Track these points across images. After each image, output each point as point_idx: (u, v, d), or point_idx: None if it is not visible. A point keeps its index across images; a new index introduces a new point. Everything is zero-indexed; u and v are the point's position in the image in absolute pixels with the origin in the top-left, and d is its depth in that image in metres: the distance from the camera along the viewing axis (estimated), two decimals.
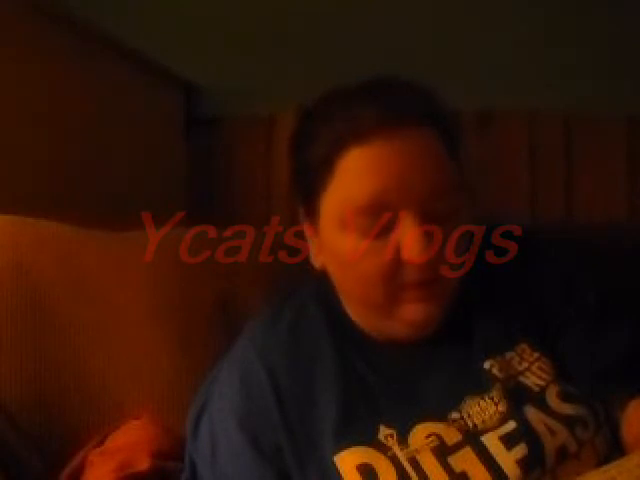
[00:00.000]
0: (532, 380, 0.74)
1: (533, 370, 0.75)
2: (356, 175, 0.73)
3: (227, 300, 1.02)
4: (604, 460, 0.68)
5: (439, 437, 0.71)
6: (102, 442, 0.88)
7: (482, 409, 0.72)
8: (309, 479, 0.72)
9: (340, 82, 0.79)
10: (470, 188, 0.80)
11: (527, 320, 0.79)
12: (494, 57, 1.44)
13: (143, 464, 0.82)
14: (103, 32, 1.27)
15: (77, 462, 0.86)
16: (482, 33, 1.44)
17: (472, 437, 0.70)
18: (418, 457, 0.70)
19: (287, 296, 0.87)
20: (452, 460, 0.69)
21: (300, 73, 1.48)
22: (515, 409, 0.72)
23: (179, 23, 1.53)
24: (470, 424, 0.71)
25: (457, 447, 0.70)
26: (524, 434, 0.69)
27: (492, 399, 0.73)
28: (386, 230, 0.73)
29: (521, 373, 0.75)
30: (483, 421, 0.71)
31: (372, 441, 0.72)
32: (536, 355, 0.77)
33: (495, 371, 0.75)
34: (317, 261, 0.82)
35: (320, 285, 0.83)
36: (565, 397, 0.73)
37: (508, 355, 0.77)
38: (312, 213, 0.79)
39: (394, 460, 0.70)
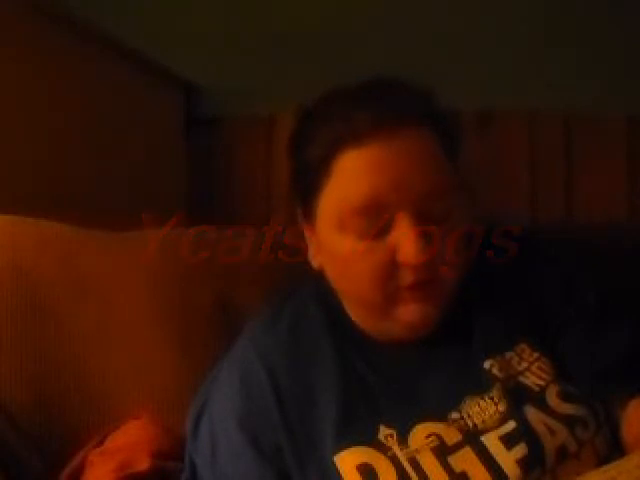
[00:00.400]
0: (532, 380, 0.74)
1: (533, 370, 0.75)
2: (353, 176, 0.73)
3: (227, 300, 1.02)
4: (604, 460, 0.68)
5: (439, 437, 0.71)
6: (102, 442, 0.88)
7: (482, 409, 0.72)
8: (309, 479, 0.72)
9: (340, 82, 0.79)
10: (469, 188, 0.80)
11: (527, 320, 0.79)
12: (494, 57, 1.44)
13: (143, 464, 0.82)
14: (103, 32, 1.26)
15: (77, 462, 0.86)
16: (482, 33, 1.44)
17: (472, 437, 0.70)
18: (418, 457, 0.70)
19: (287, 296, 0.87)
20: (452, 460, 0.69)
21: (300, 73, 1.48)
22: (515, 409, 0.72)
23: (179, 23, 1.53)
24: (470, 424, 0.71)
25: (457, 447, 0.70)
26: (524, 434, 0.69)
27: (492, 399, 0.73)
28: (383, 231, 0.73)
29: (521, 373, 0.75)
30: (483, 421, 0.71)
31: (372, 441, 0.72)
32: (536, 355, 0.77)
33: (495, 371, 0.75)
34: (315, 261, 0.82)
35: (320, 285, 0.83)
36: (565, 397, 0.73)
37: (508, 355, 0.77)
38: (310, 214, 0.79)
39: (394, 460, 0.70)
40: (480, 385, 0.74)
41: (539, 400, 0.72)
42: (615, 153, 1.44)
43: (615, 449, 0.72)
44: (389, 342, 0.79)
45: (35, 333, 0.93)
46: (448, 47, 1.45)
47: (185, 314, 1.00)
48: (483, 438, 0.70)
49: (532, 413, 0.71)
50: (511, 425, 0.70)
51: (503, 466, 0.68)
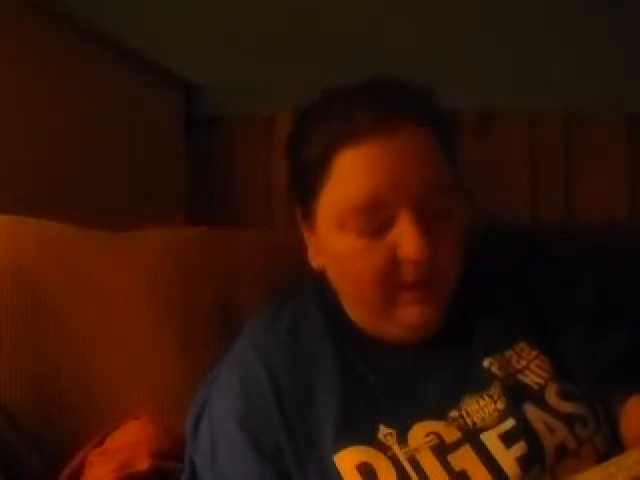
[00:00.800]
0: (531, 378, 0.74)
1: (532, 368, 0.75)
2: (352, 175, 0.73)
3: (227, 300, 1.02)
4: (604, 458, 0.67)
5: (438, 436, 0.71)
6: (102, 442, 0.88)
7: (481, 407, 0.72)
8: (309, 479, 0.72)
9: (340, 82, 0.79)
10: (467, 190, 0.80)
11: (527, 319, 0.79)
12: (494, 57, 1.44)
13: (143, 464, 0.82)
14: (103, 32, 1.27)
15: (77, 462, 0.86)
16: (482, 33, 1.44)
17: (471, 435, 0.70)
18: (418, 456, 0.70)
19: (287, 296, 0.87)
20: (452, 459, 0.69)
21: (300, 73, 1.48)
22: (514, 407, 0.72)
23: (179, 23, 1.53)
24: (469, 422, 0.71)
25: (456, 445, 0.70)
26: (523, 432, 0.69)
27: (491, 397, 0.73)
28: (383, 229, 0.73)
29: (520, 371, 0.75)
30: (482, 419, 0.71)
31: (372, 441, 0.71)
32: (535, 353, 0.77)
33: (494, 369, 0.75)
34: (315, 262, 0.82)
35: (320, 285, 0.83)
36: (564, 395, 0.73)
37: (507, 353, 0.77)
38: (309, 214, 0.79)
39: (394, 460, 0.70)
40: (479, 383, 0.74)
41: (538, 398, 0.72)
42: (615, 153, 1.44)
43: (615, 447, 0.72)
44: (389, 342, 0.79)
45: (35, 333, 0.93)
46: (448, 47, 1.45)
47: (185, 314, 1.00)
48: (482, 436, 0.70)
49: (531, 411, 0.71)
50: (510, 423, 0.70)
51: (502, 464, 0.68)
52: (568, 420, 0.71)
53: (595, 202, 1.43)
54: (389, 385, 0.77)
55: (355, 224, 0.73)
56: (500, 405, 0.72)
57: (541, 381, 0.74)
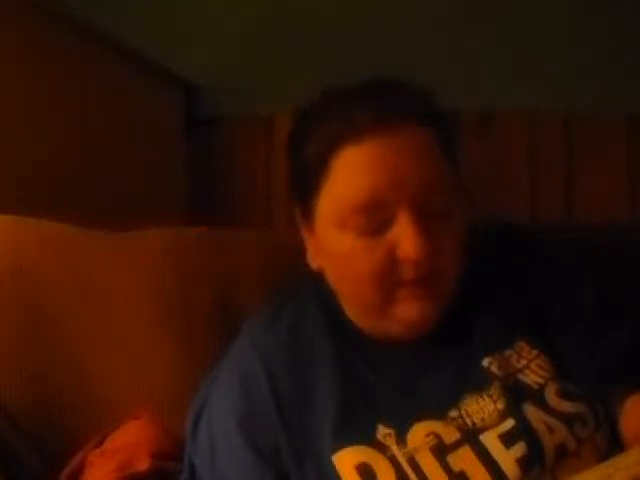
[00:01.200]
0: (531, 378, 0.74)
1: (532, 368, 0.75)
2: (352, 174, 0.73)
3: (227, 300, 1.02)
4: (605, 457, 0.67)
5: (438, 436, 0.71)
6: (102, 442, 0.87)
7: (481, 407, 0.72)
8: (308, 479, 0.72)
9: (340, 82, 0.79)
10: (467, 190, 0.80)
11: (527, 319, 0.79)
12: (494, 57, 1.44)
13: (143, 464, 0.82)
14: (103, 32, 1.26)
15: (77, 462, 0.86)
16: (482, 33, 1.44)
17: (471, 436, 0.70)
18: (417, 457, 0.70)
19: (287, 296, 0.87)
20: (451, 459, 0.69)
21: (300, 73, 1.48)
22: (514, 407, 0.72)
23: (179, 23, 1.53)
24: (469, 422, 0.71)
25: (456, 446, 0.70)
26: (523, 432, 0.69)
27: (491, 397, 0.73)
28: (383, 228, 0.73)
29: (520, 371, 0.75)
30: (482, 419, 0.71)
31: (371, 441, 0.71)
32: (535, 353, 0.77)
33: (494, 369, 0.75)
34: (315, 262, 0.82)
35: (320, 285, 0.83)
36: (564, 395, 0.73)
37: (507, 353, 0.77)
38: (309, 213, 0.79)
39: (393, 460, 0.70)
40: (479, 383, 0.74)
41: (538, 398, 0.72)
42: (615, 153, 1.44)
43: (615, 446, 0.72)
44: (388, 342, 0.79)
45: (35, 333, 0.93)
46: (448, 47, 1.45)
47: (185, 314, 1.00)
48: (482, 437, 0.70)
49: (531, 411, 0.71)
50: (510, 423, 0.70)
51: (502, 465, 0.68)
52: (568, 420, 0.71)
53: (595, 202, 1.43)
54: (389, 385, 0.77)
55: (355, 223, 0.73)
56: (500, 405, 0.72)
57: (541, 381, 0.74)
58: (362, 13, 1.48)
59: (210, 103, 1.55)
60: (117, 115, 1.33)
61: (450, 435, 0.71)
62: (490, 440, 0.70)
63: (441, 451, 0.70)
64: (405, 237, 0.71)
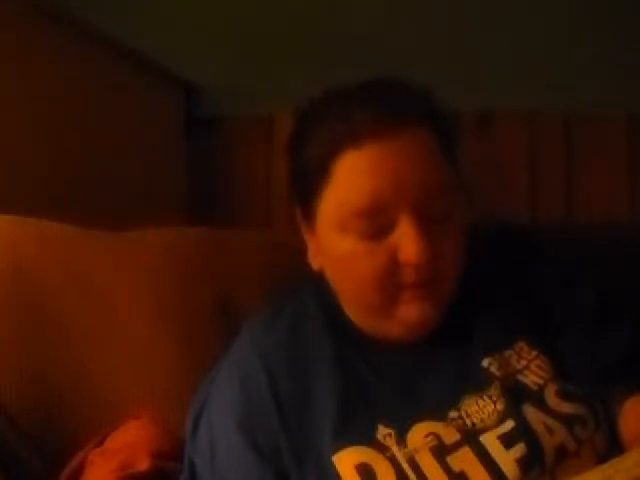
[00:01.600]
0: (531, 379, 0.74)
1: (532, 368, 0.75)
2: (354, 177, 0.73)
3: (227, 300, 1.02)
4: (604, 458, 0.68)
5: (437, 436, 0.71)
6: (102, 442, 0.87)
7: (481, 408, 0.72)
8: (308, 479, 0.72)
9: (340, 82, 0.79)
10: (467, 190, 0.80)
11: (526, 319, 0.79)
12: (494, 57, 1.44)
13: (143, 464, 0.82)
14: (103, 32, 1.26)
15: (77, 462, 0.86)
16: (482, 33, 1.44)
17: (471, 436, 0.70)
18: (417, 457, 0.70)
19: (287, 296, 0.87)
20: (451, 460, 0.69)
21: (300, 73, 1.48)
22: (513, 408, 0.72)
23: (179, 23, 1.53)
24: (469, 423, 0.71)
25: (456, 446, 0.70)
26: (523, 433, 0.69)
27: (490, 397, 0.73)
28: (384, 231, 0.73)
29: (519, 371, 0.75)
30: (482, 420, 0.71)
31: (371, 441, 0.72)
32: (535, 353, 0.77)
33: (493, 369, 0.75)
34: (315, 262, 0.82)
35: (320, 285, 0.83)
36: (564, 396, 0.73)
37: (507, 353, 0.77)
38: (309, 214, 0.79)
39: (393, 460, 0.70)
40: (479, 383, 0.74)
41: (538, 399, 0.72)
42: (615, 153, 1.44)
43: (615, 447, 0.72)
44: (389, 342, 0.79)
45: (35, 333, 0.93)
46: (448, 47, 1.45)
47: (185, 314, 1.00)
48: (482, 437, 0.70)
49: (531, 412, 0.71)
50: (510, 424, 0.70)
51: (502, 466, 0.68)
52: (567, 421, 0.71)
53: (595, 202, 1.43)
54: (389, 385, 0.77)
55: (356, 227, 0.73)
56: (499, 406, 0.72)
57: (540, 381, 0.74)
58: (362, 13, 1.47)
59: (210, 103, 1.55)
60: (117, 115, 1.33)
61: (450, 436, 0.71)
62: (490, 441, 0.70)
63: (441, 452, 0.70)
64: (406, 241, 0.71)
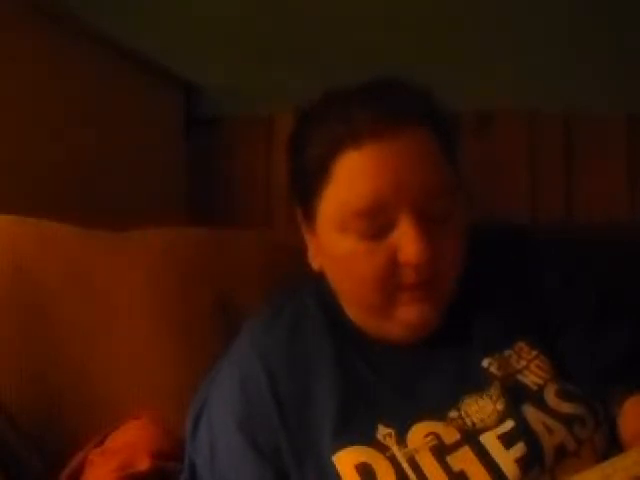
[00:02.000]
0: (530, 379, 0.74)
1: (531, 368, 0.75)
2: (354, 178, 0.73)
3: (227, 300, 1.02)
4: (604, 458, 0.68)
5: (437, 436, 0.71)
6: (102, 442, 0.87)
7: (480, 408, 0.72)
8: (308, 479, 0.72)
9: (340, 83, 0.79)
10: (467, 190, 0.80)
11: (526, 319, 0.79)
12: (494, 57, 1.44)
13: (143, 464, 0.82)
14: (103, 32, 1.26)
15: (77, 462, 0.86)
16: (482, 33, 1.44)
17: (471, 436, 0.70)
18: (417, 457, 0.70)
19: (287, 296, 0.87)
20: (451, 459, 0.69)
21: (300, 73, 1.48)
22: (513, 408, 0.72)
23: (179, 23, 1.53)
24: (469, 423, 0.71)
25: (456, 446, 0.70)
26: (522, 433, 0.69)
27: (490, 397, 0.73)
28: (384, 231, 0.73)
29: (519, 371, 0.75)
30: (482, 420, 0.71)
31: (371, 441, 0.72)
32: (534, 353, 0.77)
33: (493, 369, 0.75)
34: (315, 262, 0.82)
35: (320, 285, 0.83)
36: (563, 396, 0.73)
37: (507, 353, 0.77)
38: (310, 215, 0.79)
39: (393, 460, 0.70)
40: (479, 383, 0.74)
41: (537, 399, 0.73)
42: (615, 153, 1.44)
43: (614, 446, 0.72)
44: (389, 342, 0.79)
45: (35, 333, 0.93)
46: (448, 47, 1.45)
47: (185, 314, 1.00)
48: (482, 437, 0.70)
49: (531, 412, 0.71)
50: (510, 424, 0.70)
51: (502, 465, 0.68)
52: (567, 421, 0.71)
53: (595, 202, 1.43)
54: (389, 385, 0.77)
55: (356, 227, 0.73)
56: (499, 406, 0.72)
57: (540, 381, 0.74)
58: (362, 13, 1.48)
59: (210, 103, 1.55)
60: (117, 115, 1.33)
61: (450, 435, 0.71)
62: (490, 441, 0.70)
63: (441, 451, 0.70)
64: (406, 241, 0.72)
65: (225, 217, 1.51)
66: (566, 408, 0.72)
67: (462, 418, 0.72)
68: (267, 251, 1.09)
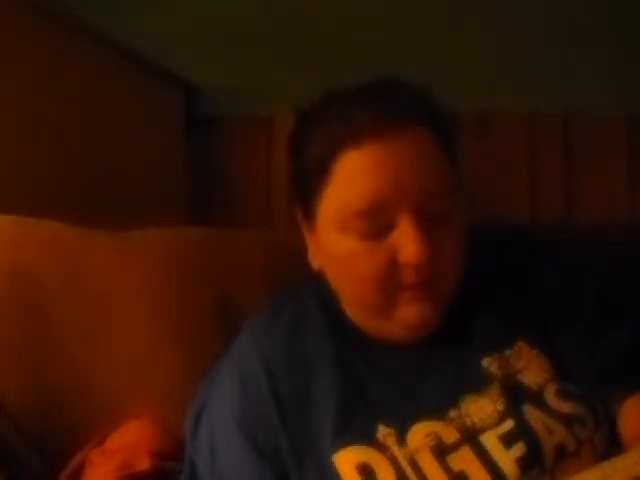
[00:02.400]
0: (530, 379, 0.74)
1: (531, 368, 0.75)
2: (354, 177, 0.73)
3: (227, 300, 1.02)
4: (604, 458, 0.67)
5: (437, 436, 0.71)
6: (102, 442, 0.88)
7: (480, 407, 0.72)
8: (308, 478, 0.72)
9: (340, 82, 0.79)
10: (467, 190, 0.80)
11: (526, 319, 0.79)
12: (494, 57, 1.44)
13: (143, 464, 0.82)
14: (103, 32, 1.26)
15: (77, 462, 0.86)
16: (482, 33, 1.44)
17: (470, 436, 0.70)
18: (417, 457, 0.70)
19: (287, 296, 0.87)
20: (451, 459, 0.69)
21: (300, 73, 1.48)
22: (513, 408, 0.72)
23: (179, 23, 1.53)
24: (469, 423, 0.71)
25: (455, 446, 0.70)
26: (522, 433, 0.70)
27: (490, 397, 0.73)
28: (384, 231, 0.73)
29: (519, 371, 0.75)
30: (481, 420, 0.71)
31: (371, 441, 0.72)
32: (534, 353, 0.77)
33: (493, 369, 0.75)
34: (315, 262, 0.82)
35: (320, 285, 0.83)
36: (563, 396, 0.73)
37: (507, 353, 0.77)
38: (310, 214, 0.79)
39: (393, 460, 0.70)
40: (479, 383, 0.74)
41: (537, 399, 0.73)
42: (615, 153, 1.44)
43: (614, 446, 0.72)
44: (389, 342, 0.79)
45: (35, 333, 0.93)
46: (448, 47, 1.45)
47: (185, 314, 1.00)
48: (482, 437, 0.70)
49: (530, 412, 0.71)
50: (509, 424, 0.70)
51: (502, 465, 0.68)
52: (567, 421, 0.71)
53: (595, 202, 1.43)
54: (389, 385, 0.77)
55: (356, 227, 0.73)
56: (499, 406, 0.72)
57: (540, 381, 0.74)
58: (362, 13, 1.48)
59: (210, 103, 1.55)
60: (117, 115, 1.33)
61: (450, 435, 0.71)
62: (490, 440, 0.70)
63: (441, 451, 0.70)
64: (406, 242, 0.71)
65: (225, 217, 1.51)
66: (566, 408, 0.72)
67: (462, 418, 0.72)
68: (267, 251, 1.09)
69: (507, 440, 0.69)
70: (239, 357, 0.82)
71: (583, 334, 0.78)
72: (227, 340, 0.88)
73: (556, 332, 0.79)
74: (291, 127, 0.82)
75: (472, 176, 0.91)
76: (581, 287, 0.81)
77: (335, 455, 0.71)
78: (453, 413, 0.72)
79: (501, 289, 0.81)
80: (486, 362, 0.76)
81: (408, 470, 0.69)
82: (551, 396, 0.73)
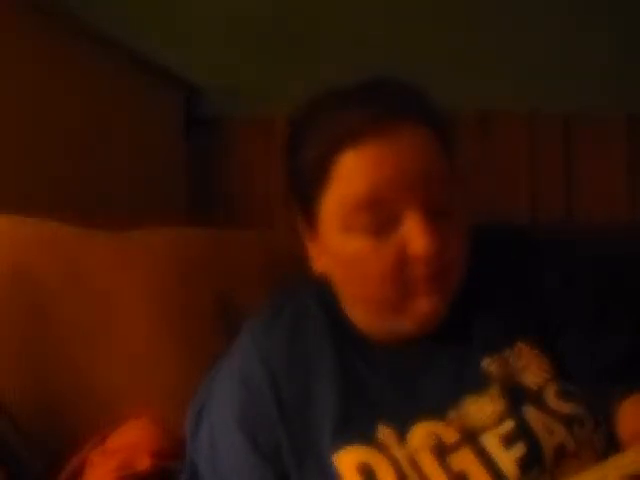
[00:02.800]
0: (530, 379, 0.74)
1: (531, 369, 0.75)
2: (353, 175, 0.73)
3: (227, 300, 1.02)
4: (603, 458, 0.67)
5: (438, 436, 0.71)
6: (102, 442, 0.88)
7: (480, 408, 0.72)
8: (308, 478, 0.72)
9: (340, 83, 0.79)
10: (467, 190, 0.80)
11: (526, 319, 0.79)
12: (494, 57, 1.44)
13: (143, 464, 0.82)
14: (103, 32, 1.26)
15: (77, 462, 0.86)
16: (482, 33, 1.44)
17: (471, 436, 0.70)
18: (417, 457, 0.70)
19: (287, 296, 0.87)
20: (451, 459, 0.69)
21: (300, 73, 1.48)
22: (513, 408, 0.72)
23: (179, 23, 1.53)
24: (469, 423, 0.71)
25: (456, 446, 0.70)
26: (522, 433, 0.69)
27: (490, 397, 0.73)
28: (389, 227, 0.73)
29: (519, 371, 0.75)
30: (481, 420, 0.71)
31: (371, 441, 0.72)
32: (534, 353, 0.77)
33: (493, 369, 0.75)
34: (317, 265, 0.81)
35: (320, 285, 0.83)
36: (563, 396, 0.73)
37: (506, 353, 0.77)
38: (311, 217, 0.78)
39: (393, 460, 0.70)
40: (478, 384, 0.74)
41: (537, 399, 0.73)
42: (615, 153, 1.44)
43: (614, 446, 0.72)
44: (390, 342, 0.79)
45: (35, 333, 0.93)
46: (448, 47, 1.45)
47: (185, 314, 1.00)
48: (482, 438, 0.70)
49: (530, 412, 0.71)
50: (509, 424, 0.70)
51: (502, 466, 0.68)
52: (567, 421, 0.71)
53: (595, 202, 1.43)
54: (389, 385, 0.77)
55: (360, 223, 0.73)
56: (499, 406, 0.72)
57: (540, 382, 0.74)
58: (362, 13, 1.48)
59: (210, 103, 1.55)
60: (117, 115, 1.33)
61: (450, 435, 0.71)
62: (490, 441, 0.70)
63: (441, 451, 0.70)
64: (414, 235, 0.71)
65: (225, 217, 1.51)
66: (566, 408, 0.72)
67: (462, 418, 0.72)
68: (267, 251, 1.09)
69: (507, 440, 0.69)
70: (239, 357, 0.82)
71: (583, 334, 0.78)
72: (227, 340, 0.88)
73: (556, 332, 0.79)
74: (287, 129, 0.82)
75: (472, 176, 0.91)
76: (581, 287, 0.81)
77: (335, 455, 0.71)
78: (453, 413, 0.72)
79: (501, 289, 0.81)
80: (486, 362, 0.76)
81: (408, 470, 0.69)
82: (551, 396, 0.73)
